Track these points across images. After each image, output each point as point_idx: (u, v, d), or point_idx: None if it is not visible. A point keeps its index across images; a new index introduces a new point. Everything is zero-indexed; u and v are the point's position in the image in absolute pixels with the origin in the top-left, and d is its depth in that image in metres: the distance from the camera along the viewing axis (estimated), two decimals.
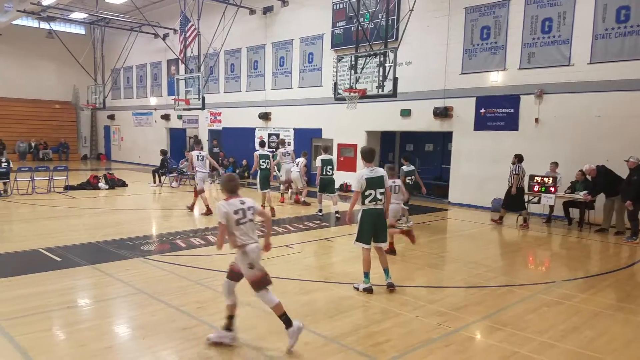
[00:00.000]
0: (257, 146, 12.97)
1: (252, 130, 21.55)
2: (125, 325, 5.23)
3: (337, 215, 12.05)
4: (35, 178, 14.98)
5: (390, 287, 6.43)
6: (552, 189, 11.56)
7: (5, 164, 14.30)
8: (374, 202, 6.38)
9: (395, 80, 12.40)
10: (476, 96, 14.28)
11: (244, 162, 21.51)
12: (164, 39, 24.22)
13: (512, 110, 13.59)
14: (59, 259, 7.50)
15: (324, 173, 12.33)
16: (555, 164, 12.05)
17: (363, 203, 6.43)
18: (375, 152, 6.74)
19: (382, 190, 6.40)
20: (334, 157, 18.05)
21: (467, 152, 14.65)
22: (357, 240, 6.50)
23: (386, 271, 6.56)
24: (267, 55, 20.72)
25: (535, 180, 11.88)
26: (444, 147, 17.01)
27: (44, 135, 30.28)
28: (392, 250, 8.40)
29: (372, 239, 6.45)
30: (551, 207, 12.09)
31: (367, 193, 6.35)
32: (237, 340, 4.71)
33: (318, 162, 12.43)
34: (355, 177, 6.45)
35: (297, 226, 10.88)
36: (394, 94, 12.51)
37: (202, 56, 20.90)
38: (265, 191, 12.33)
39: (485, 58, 14.05)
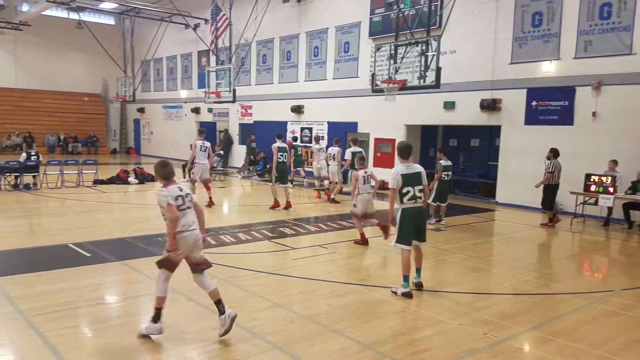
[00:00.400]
0: (276, 139, 13.22)
1: (284, 124, 21.66)
2: None
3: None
4: (64, 172, 15.48)
5: (419, 287, 6.45)
6: (611, 189, 11.17)
7: (35, 157, 14.83)
8: (413, 200, 6.37)
9: (438, 70, 12.25)
10: (527, 88, 13.95)
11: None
12: (194, 29, 24.62)
13: (566, 103, 13.21)
14: (88, 254, 7.72)
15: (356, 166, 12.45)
16: (614, 162, 11.64)
17: (401, 202, 6.39)
18: (412, 148, 6.75)
19: (420, 187, 6.39)
20: (371, 152, 18.04)
21: (516, 148, 14.34)
22: (397, 241, 6.45)
23: (418, 271, 6.57)
24: (300, 46, 20.79)
25: (592, 180, 11.51)
26: (491, 143, 16.69)
27: (73, 129, 31.26)
28: (364, 241, 8.89)
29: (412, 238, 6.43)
30: (609, 209, 11.68)
31: (404, 190, 6.33)
32: (163, 332, 4.80)
33: (348, 155, 12.52)
34: (391, 174, 6.43)
35: (330, 225, 10.88)
36: (436, 85, 12.36)
37: (233, 47, 21.16)
38: (285, 185, 12.66)
39: (537, 47, 13.70)
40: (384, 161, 17.56)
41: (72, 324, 5.06)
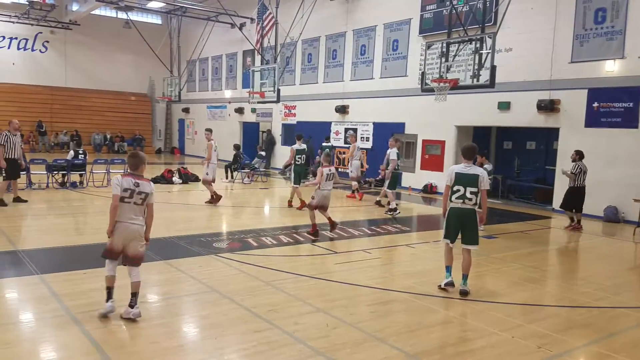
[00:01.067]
0: (295, 140, 13.80)
1: (328, 124, 21.74)
2: (197, 324, 5.47)
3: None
4: (110, 170, 16.03)
5: (463, 295, 6.49)
6: None
7: (82, 155, 15.41)
8: (461, 201, 6.47)
9: (493, 69, 12.04)
10: (588, 88, 13.52)
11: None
12: (240, 28, 25.07)
13: (631, 104, 12.72)
14: None
15: (397, 167, 12.91)
16: None
17: (450, 200, 6.57)
18: (477, 150, 6.96)
19: (473, 189, 6.42)
20: (418, 155, 17.87)
21: None
22: (443, 237, 6.80)
23: (464, 277, 6.61)
24: (347, 44, 20.82)
25: None
26: (549, 146, 16.27)
27: (119, 128, 32.40)
28: (315, 232, 9.63)
29: (460, 237, 6.66)
30: None
31: (455, 189, 6.49)
32: (114, 310, 5.30)
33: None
34: (447, 171, 6.75)
35: (374, 229, 10.84)
36: (491, 84, 12.15)
37: (278, 46, 21.40)
38: (296, 186, 12.96)
39: (599, 44, 13.24)
40: (432, 164, 17.37)
41: (116, 323, 5.22)
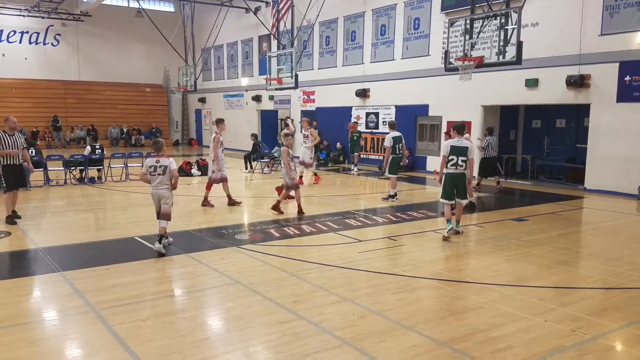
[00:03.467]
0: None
1: (349, 109, 21.71)
2: (222, 317, 5.59)
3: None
4: (128, 164, 16.29)
5: (456, 233, 8.78)
6: None
7: (99, 150, 15.66)
8: (454, 167, 8.63)
9: (519, 44, 11.91)
10: (619, 61, 13.29)
11: (338, 145, 21.78)
12: (255, 13, 25.07)
13: None
14: (154, 247, 8.13)
15: (397, 152, 12.59)
16: None
17: (446, 166, 8.66)
18: (466, 128, 9.67)
19: (464, 158, 8.54)
20: (442, 137, 17.75)
21: (608, 128, 13.69)
22: (441, 197, 8.90)
23: (457, 222, 8.88)
24: (366, 24, 20.70)
25: None
26: (579, 123, 16.04)
27: (135, 121, 32.77)
28: (276, 206, 10.80)
29: (454, 196, 8.76)
30: None
31: (450, 158, 8.60)
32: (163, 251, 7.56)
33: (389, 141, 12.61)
34: (443, 145, 9.10)
35: (399, 216, 10.85)
36: (517, 60, 12.02)
37: (295, 29, 21.37)
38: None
39: (631, 15, 12.97)
40: None
41: (140, 317, 5.36)
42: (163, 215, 7.76)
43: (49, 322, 5.40)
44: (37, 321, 5.39)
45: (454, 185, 8.67)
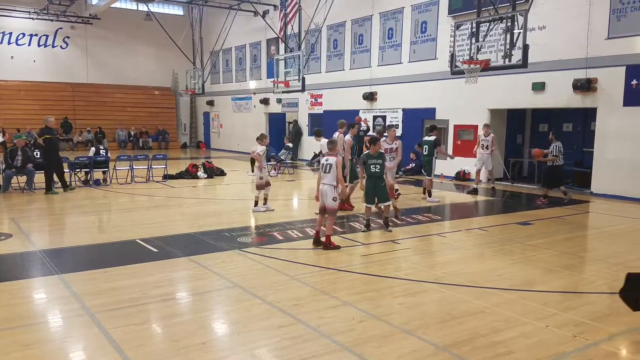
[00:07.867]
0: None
1: (356, 112, 21.63)
2: (220, 321, 5.56)
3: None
4: (134, 167, 16.33)
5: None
6: None
7: (104, 152, 15.69)
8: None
9: (525, 48, 11.86)
10: (626, 65, 13.15)
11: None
12: (263, 16, 25.10)
13: None
14: (155, 250, 8.12)
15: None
16: None
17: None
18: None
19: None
20: (450, 141, 17.69)
21: (615, 132, 13.55)
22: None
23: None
24: (373, 28, 20.65)
25: None
26: (586, 127, 15.90)
27: (143, 123, 32.87)
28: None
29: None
30: None
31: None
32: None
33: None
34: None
35: (403, 219, 10.77)
36: (523, 64, 11.96)
37: (302, 33, 21.38)
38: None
39: (638, 18, 12.85)
40: (464, 150, 17.13)
41: (136, 321, 5.32)
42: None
43: (44, 325, 5.35)
44: (32, 324, 5.32)
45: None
